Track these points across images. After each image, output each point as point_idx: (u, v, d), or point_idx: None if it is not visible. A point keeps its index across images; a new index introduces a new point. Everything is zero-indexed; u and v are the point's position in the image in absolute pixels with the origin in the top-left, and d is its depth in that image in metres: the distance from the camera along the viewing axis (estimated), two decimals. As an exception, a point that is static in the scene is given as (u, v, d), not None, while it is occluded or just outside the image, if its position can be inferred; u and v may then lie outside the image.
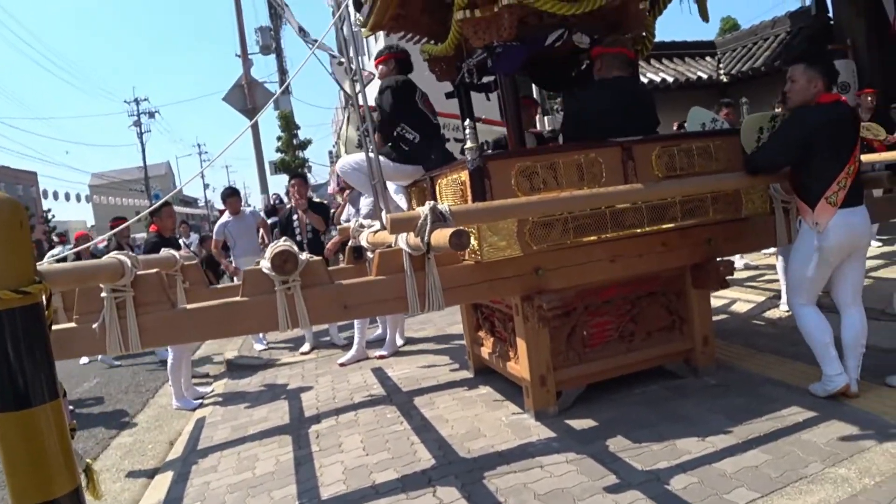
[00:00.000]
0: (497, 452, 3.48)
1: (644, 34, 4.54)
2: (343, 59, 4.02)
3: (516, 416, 3.98)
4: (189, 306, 3.20)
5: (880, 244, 7.33)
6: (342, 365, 6.05)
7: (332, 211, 7.75)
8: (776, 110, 5.78)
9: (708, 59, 13.14)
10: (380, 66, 4.82)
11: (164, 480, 4.02)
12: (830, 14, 10.75)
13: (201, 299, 3.77)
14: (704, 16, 4.52)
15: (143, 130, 48.25)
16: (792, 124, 3.51)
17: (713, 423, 3.41)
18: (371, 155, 4.00)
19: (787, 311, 5.13)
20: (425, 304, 3.35)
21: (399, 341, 6.52)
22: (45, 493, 1.44)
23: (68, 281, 2.59)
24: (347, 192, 6.86)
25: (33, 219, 32.33)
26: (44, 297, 1.39)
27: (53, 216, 36.29)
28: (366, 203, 5.98)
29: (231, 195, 7.93)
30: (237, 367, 6.90)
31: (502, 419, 3.96)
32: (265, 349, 7.38)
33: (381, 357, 6.10)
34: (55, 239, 15.24)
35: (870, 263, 4.75)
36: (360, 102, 3.96)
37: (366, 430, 4.18)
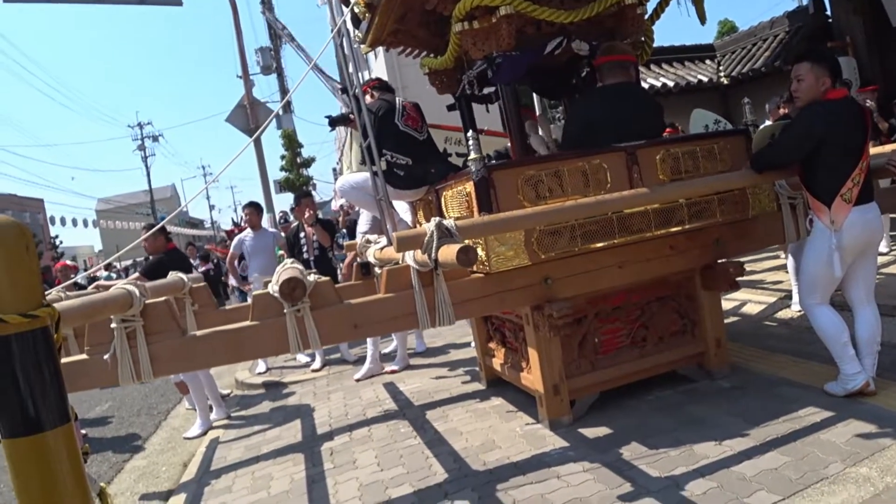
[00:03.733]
0: (513, 464, 3.45)
1: (643, 39, 4.54)
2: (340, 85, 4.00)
3: (530, 426, 3.95)
4: (199, 333, 3.19)
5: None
6: (358, 380, 6.04)
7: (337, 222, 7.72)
8: (784, 112, 5.72)
9: (708, 62, 13.13)
10: (367, 99, 4.77)
11: (179, 503, 4.02)
12: (828, 12, 10.73)
13: (211, 322, 3.78)
14: (702, 17, 4.51)
15: (147, 154, 48.76)
16: (803, 121, 3.43)
17: (730, 427, 3.37)
18: (375, 170, 3.99)
19: (800, 312, 5.09)
20: (436, 319, 3.34)
21: (422, 346, 6.85)
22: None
23: (77, 317, 2.56)
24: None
25: (41, 245, 32.52)
26: (51, 321, 1.38)
27: (61, 242, 36.49)
28: (366, 219, 5.93)
29: (247, 206, 7.67)
30: (248, 387, 6.90)
31: (517, 430, 3.94)
32: (265, 371, 7.32)
33: (393, 371, 6.09)
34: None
35: (880, 260, 4.70)
36: (363, 117, 3.96)
37: (380, 446, 4.16)
